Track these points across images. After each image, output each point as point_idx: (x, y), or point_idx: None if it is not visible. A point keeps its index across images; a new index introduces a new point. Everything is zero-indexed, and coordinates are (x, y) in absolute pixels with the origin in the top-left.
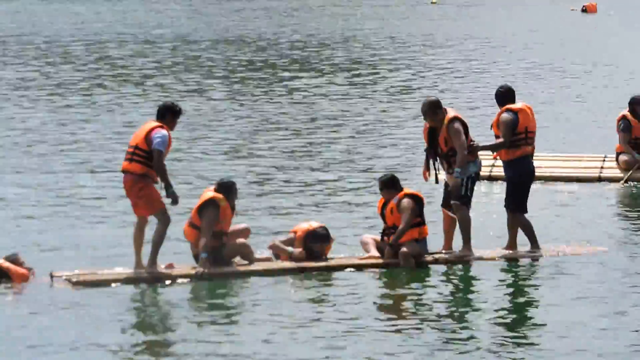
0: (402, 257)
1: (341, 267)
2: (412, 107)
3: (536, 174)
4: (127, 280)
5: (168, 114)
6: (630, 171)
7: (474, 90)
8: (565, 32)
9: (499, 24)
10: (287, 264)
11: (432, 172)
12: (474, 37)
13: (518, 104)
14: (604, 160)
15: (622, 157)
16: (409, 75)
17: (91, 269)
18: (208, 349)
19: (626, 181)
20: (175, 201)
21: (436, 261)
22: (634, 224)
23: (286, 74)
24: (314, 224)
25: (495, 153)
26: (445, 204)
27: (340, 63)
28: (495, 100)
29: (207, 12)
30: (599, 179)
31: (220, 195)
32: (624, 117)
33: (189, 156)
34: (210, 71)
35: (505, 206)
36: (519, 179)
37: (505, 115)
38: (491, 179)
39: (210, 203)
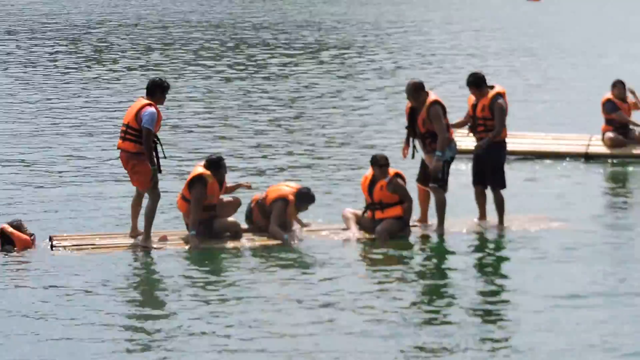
0: (378, 234)
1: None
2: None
3: (525, 149)
4: (122, 248)
5: (157, 90)
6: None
7: (445, 73)
8: (518, 19)
9: (456, 11)
10: (269, 241)
11: (410, 149)
12: (437, 22)
13: (499, 88)
14: (590, 140)
15: (608, 135)
16: (381, 57)
17: (90, 232)
18: (193, 324)
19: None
20: (154, 177)
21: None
22: (611, 201)
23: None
24: (292, 185)
25: (477, 134)
26: (420, 179)
27: (323, 45)
28: (472, 86)
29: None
30: (586, 155)
31: (207, 172)
32: (608, 100)
33: (182, 132)
34: (197, 52)
35: (489, 185)
36: (503, 158)
37: (500, 101)
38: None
39: (198, 179)
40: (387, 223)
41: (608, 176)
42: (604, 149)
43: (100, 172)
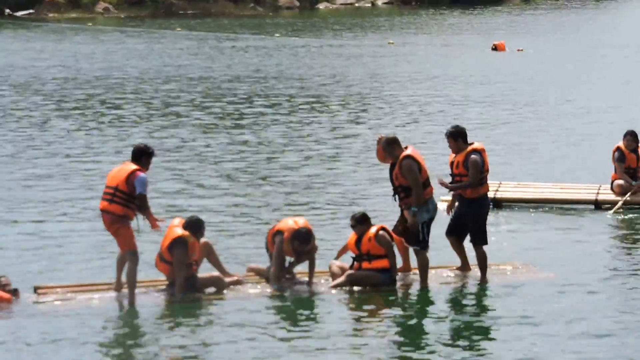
0: (345, 277)
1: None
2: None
3: (536, 197)
4: (107, 302)
5: (143, 157)
6: (621, 200)
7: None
8: (494, 68)
9: (429, 62)
10: (252, 290)
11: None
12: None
13: (477, 144)
14: (599, 188)
15: (617, 183)
16: (363, 109)
17: (76, 282)
18: None
19: (616, 211)
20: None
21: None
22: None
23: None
24: (299, 222)
25: (455, 192)
26: (396, 230)
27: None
28: (449, 138)
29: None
30: (596, 202)
31: (186, 233)
32: (618, 148)
33: (160, 188)
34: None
35: (471, 241)
36: (484, 214)
37: (474, 157)
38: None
39: (178, 241)
40: (370, 273)
41: (614, 224)
42: (613, 197)
43: (83, 220)
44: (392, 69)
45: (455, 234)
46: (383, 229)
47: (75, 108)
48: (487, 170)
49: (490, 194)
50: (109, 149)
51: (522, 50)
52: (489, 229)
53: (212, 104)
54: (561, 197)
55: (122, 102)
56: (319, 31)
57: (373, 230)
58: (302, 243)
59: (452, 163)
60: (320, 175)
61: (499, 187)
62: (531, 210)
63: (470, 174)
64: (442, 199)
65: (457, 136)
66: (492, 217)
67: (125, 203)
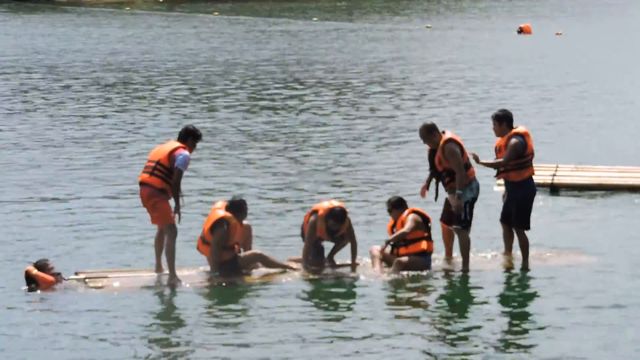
0: (395, 265)
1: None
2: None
3: (594, 182)
4: (147, 286)
5: (189, 138)
6: None
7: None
8: (534, 52)
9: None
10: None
11: (433, 190)
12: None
13: (521, 128)
14: None
15: None
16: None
17: (116, 268)
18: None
19: None
20: (178, 219)
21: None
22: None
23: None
24: (334, 203)
25: (499, 175)
26: (443, 219)
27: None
28: (495, 120)
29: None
30: None
31: (228, 214)
32: None
33: (201, 170)
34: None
35: (513, 225)
36: (528, 198)
37: (515, 140)
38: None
39: (220, 223)
40: (410, 257)
41: None
42: None
43: (125, 205)
44: (437, 53)
45: (507, 220)
46: (415, 211)
47: (117, 91)
48: (532, 154)
49: (548, 179)
50: (148, 131)
51: (560, 33)
52: (542, 212)
53: (253, 87)
54: (621, 182)
55: (159, 85)
56: (361, 14)
57: (405, 214)
58: (336, 221)
59: (496, 147)
60: (359, 159)
61: (557, 170)
62: (588, 194)
63: (505, 154)
64: (498, 183)
65: (502, 119)
66: (548, 201)
67: (165, 177)
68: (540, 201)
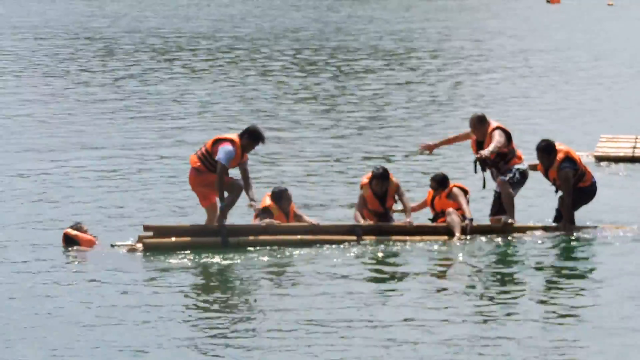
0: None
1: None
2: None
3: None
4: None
5: (245, 136)
6: None
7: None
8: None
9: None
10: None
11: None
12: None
13: (562, 147)
14: None
15: None
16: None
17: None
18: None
19: None
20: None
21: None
22: None
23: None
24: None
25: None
26: (493, 214)
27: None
28: (544, 154)
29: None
30: None
31: (271, 204)
32: None
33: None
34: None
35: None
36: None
37: (566, 171)
38: (634, 159)
39: (263, 212)
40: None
41: None
42: None
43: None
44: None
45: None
46: (455, 186)
47: (179, 63)
48: (583, 166)
49: (629, 151)
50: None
51: (612, 4)
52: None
53: (318, 57)
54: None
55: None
56: None
57: (446, 189)
58: (379, 181)
59: (550, 179)
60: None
61: (636, 142)
62: None
63: (564, 188)
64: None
65: (550, 151)
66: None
67: (207, 165)
68: (621, 172)
